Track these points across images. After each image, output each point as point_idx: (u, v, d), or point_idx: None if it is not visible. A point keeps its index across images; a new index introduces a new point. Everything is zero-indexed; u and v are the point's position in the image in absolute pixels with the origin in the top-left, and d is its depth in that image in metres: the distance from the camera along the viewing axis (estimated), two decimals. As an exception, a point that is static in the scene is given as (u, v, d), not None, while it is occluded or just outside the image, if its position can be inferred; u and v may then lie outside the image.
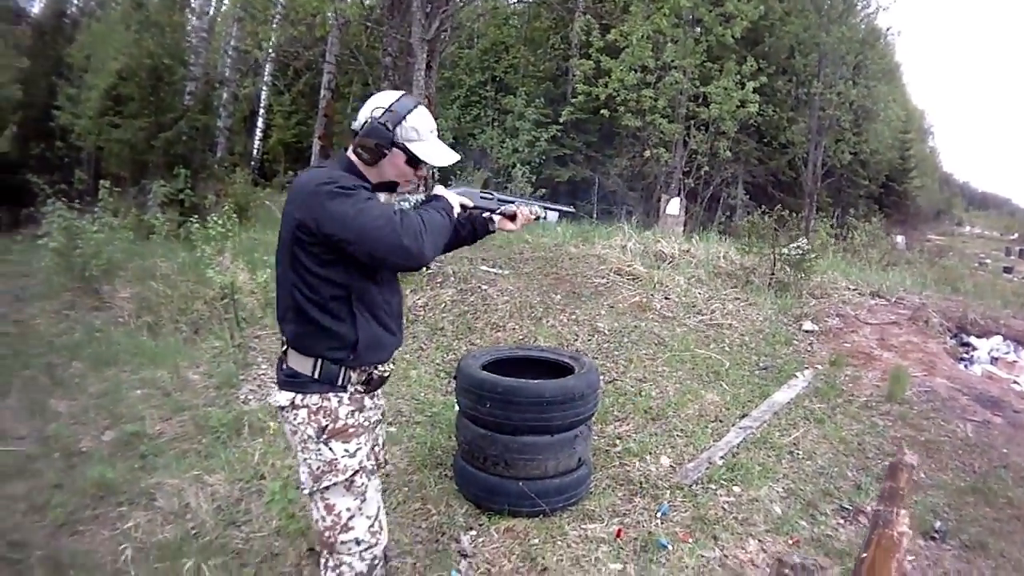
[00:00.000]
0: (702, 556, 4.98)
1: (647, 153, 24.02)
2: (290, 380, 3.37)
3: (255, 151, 29.13)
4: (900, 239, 30.92)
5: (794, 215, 14.05)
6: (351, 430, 3.38)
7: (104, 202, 11.59)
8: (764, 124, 26.41)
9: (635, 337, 9.12)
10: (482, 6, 23.84)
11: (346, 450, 3.35)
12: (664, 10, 21.62)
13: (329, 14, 15.88)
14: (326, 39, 22.72)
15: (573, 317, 9.51)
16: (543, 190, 21.97)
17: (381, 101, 3.36)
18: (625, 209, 22.04)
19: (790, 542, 5.17)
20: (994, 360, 10.98)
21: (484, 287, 9.97)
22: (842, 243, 20.91)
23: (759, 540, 5.25)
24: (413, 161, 3.35)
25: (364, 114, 3.38)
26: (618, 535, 5.08)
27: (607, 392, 7.49)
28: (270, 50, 23.86)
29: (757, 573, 4.50)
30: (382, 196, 3.37)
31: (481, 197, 3.76)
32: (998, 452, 7.45)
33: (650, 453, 6.43)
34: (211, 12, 23.09)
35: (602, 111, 23.48)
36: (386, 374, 3.57)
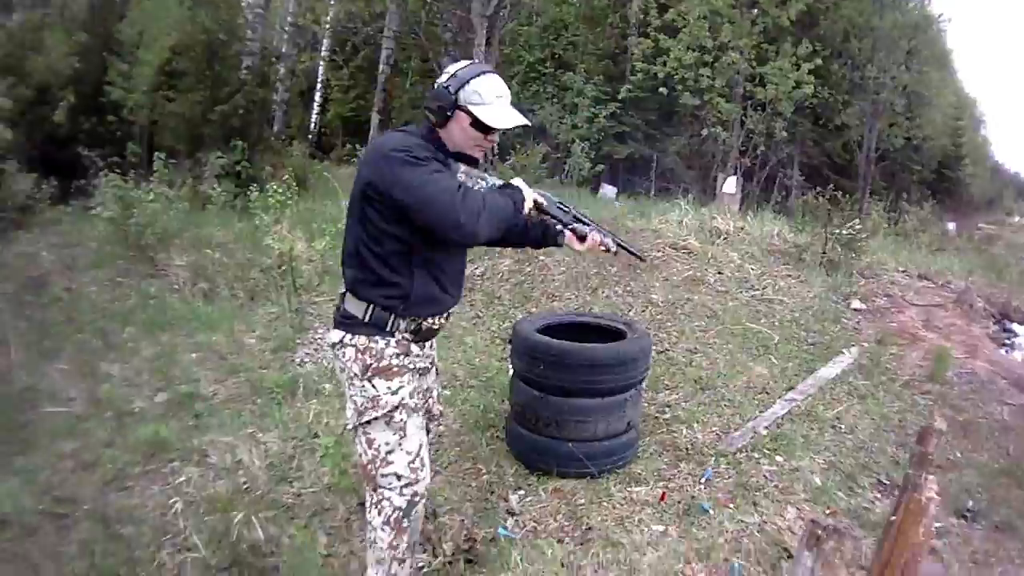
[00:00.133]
0: (742, 521, 5.06)
1: (705, 132, 23.99)
2: (343, 320, 3.56)
3: (312, 125, 29.25)
4: (951, 225, 30.58)
5: (848, 197, 14.04)
6: (395, 369, 3.52)
7: (160, 173, 11.77)
8: (819, 106, 26.22)
9: (688, 309, 9.23)
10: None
11: (388, 387, 3.49)
12: (721, -9, 21.70)
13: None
14: (384, 14, 22.81)
15: (628, 289, 9.61)
16: (601, 166, 22.01)
17: (452, 68, 3.45)
18: (682, 187, 22.00)
19: (827, 512, 5.23)
20: (1034, 346, 10.94)
21: (541, 257, 10.03)
22: (894, 226, 20.77)
23: (798, 508, 5.32)
24: (478, 125, 3.36)
25: (439, 81, 3.45)
26: (662, 498, 5.17)
27: (658, 361, 7.57)
28: (327, 25, 24.03)
29: (794, 540, 4.54)
30: (461, 168, 3.43)
31: (557, 206, 3.75)
32: (1031, 435, 7.48)
33: (697, 421, 6.51)
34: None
35: (660, 89, 23.48)
36: (435, 326, 3.67)
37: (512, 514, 4.87)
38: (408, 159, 3.17)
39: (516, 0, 16.44)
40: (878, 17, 26.11)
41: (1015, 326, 11.88)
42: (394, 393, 3.51)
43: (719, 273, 10.52)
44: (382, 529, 3.56)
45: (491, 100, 3.37)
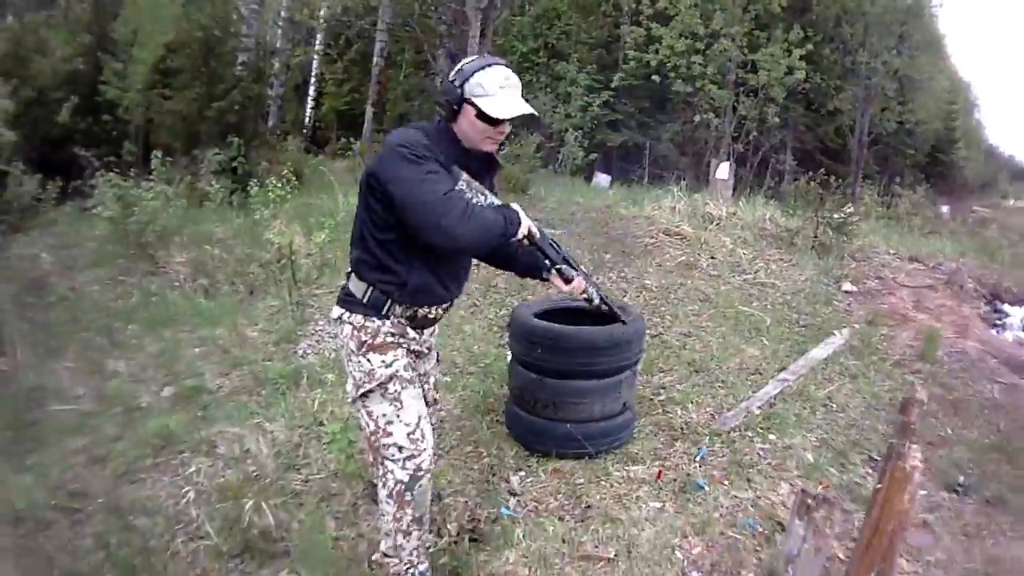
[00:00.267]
0: (736, 497, 5.22)
1: (697, 119, 24.30)
2: (344, 298, 3.72)
3: (307, 119, 29.24)
4: (945, 209, 30.67)
5: (840, 181, 14.17)
6: (389, 343, 3.64)
7: (157, 171, 11.85)
8: (812, 91, 26.58)
9: (681, 294, 9.39)
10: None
11: (383, 360, 3.62)
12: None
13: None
14: (378, 7, 22.86)
15: (622, 275, 9.78)
16: (595, 154, 22.12)
17: (461, 63, 3.53)
18: (675, 174, 22.17)
19: (820, 487, 5.37)
20: (1025, 327, 11.05)
21: (537, 246, 10.09)
22: (887, 210, 20.88)
23: (791, 484, 5.46)
24: (483, 116, 3.42)
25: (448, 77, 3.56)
26: (658, 476, 5.32)
27: (653, 345, 7.70)
28: (322, 19, 24.07)
29: (787, 514, 4.65)
30: (463, 177, 3.48)
31: (550, 244, 3.77)
32: (1022, 414, 7.61)
33: (692, 402, 6.66)
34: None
35: (653, 77, 23.81)
36: (431, 316, 3.79)
37: (514, 494, 4.99)
38: (407, 155, 3.26)
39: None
40: (870, 2, 26.41)
41: (1006, 307, 12.04)
42: (388, 366, 3.62)
43: (712, 258, 10.69)
44: (386, 502, 3.66)
45: (494, 91, 3.42)
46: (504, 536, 4.46)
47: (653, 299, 9.16)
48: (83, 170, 12.70)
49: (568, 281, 3.85)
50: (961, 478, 6.15)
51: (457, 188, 3.39)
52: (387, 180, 3.31)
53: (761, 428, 6.34)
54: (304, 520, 4.50)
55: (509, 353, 5.92)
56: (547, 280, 3.88)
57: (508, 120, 3.50)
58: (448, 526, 4.35)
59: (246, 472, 5.03)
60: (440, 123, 3.54)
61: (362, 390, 3.61)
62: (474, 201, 3.40)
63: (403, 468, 3.61)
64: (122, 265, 10.24)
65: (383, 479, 3.66)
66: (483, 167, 3.67)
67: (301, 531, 4.39)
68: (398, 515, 3.66)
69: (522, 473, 5.30)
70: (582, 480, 5.20)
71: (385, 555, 3.77)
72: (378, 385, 3.61)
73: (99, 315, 8.45)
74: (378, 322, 3.63)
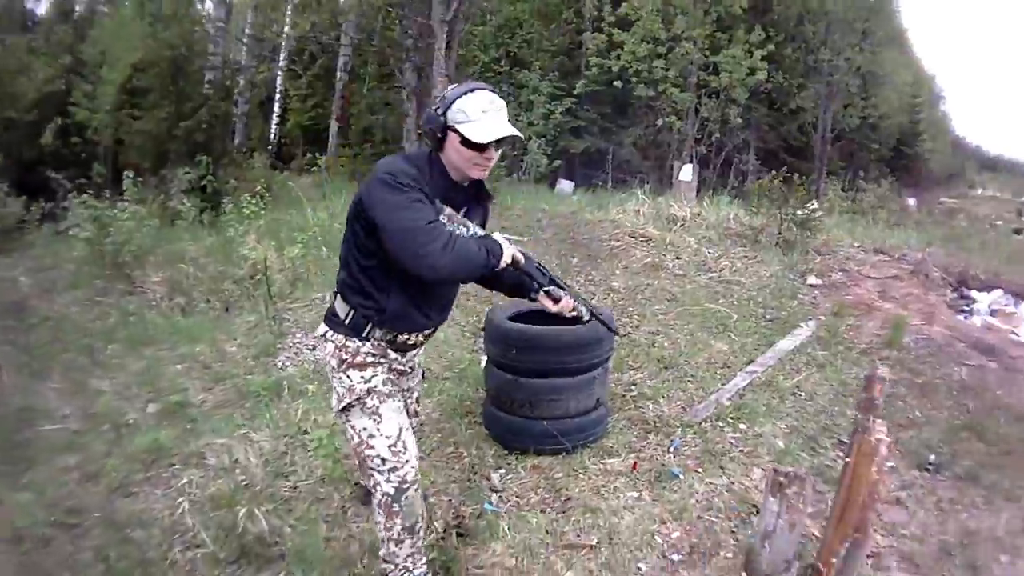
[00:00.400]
0: (711, 483, 5.41)
1: (660, 122, 24.50)
2: (329, 317, 3.78)
3: (272, 136, 29.23)
4: (911, 201, 31.05)
5: (804, 178, 14.37)
6: (368, 361, 3.70)
7: (129, 191, 11.98)
8: (774, 91, 26.78)
9: (648, 294, 9.56)
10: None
11: (362, 376, 3.68)
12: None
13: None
14: (342, 23, 22.96)
15: (590, 278, 9.95)
16: (558, 161, 22.24)
17: (444, 91, 3.53)
18: (639, 177, 22.33)
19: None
20: (993, 312, 11.29)
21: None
22: (851, 204, 21.09)
23: (763, 469, 5.63)
24: (466, 142, 3.39)
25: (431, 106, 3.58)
26: (634, 467, 5.50)
27: (622, 344, 7.84)
28: (286, 35, 24.15)
29: (761, 496, 4.78)
30: (446, 211, 3.44)
31: (536, 268, 3.76)
32: (992, 394, 7.79)
33: (663, 396, 6.84)
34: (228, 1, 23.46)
35: (615, 83, 23.90)
36: (411, 342, 3.84)
37: (495, 491, 5.14)
38: (392, 183, 3.28)
39: (472, 3, 16.59)
40: (832, 1, 26.50)
41: (974, 293, 12.08)
42: (367, 381, 3.68)
43: (677, 258, 10.88)
44: (377, 512, 3.74)
45: (477, 116, 3.40)
46: (490, 530, 4.61)
47: (621, 300, 9.32)
48: (55, 192, 12.79)
49: (556, 301, 3.88)
50: (932, 457, 6.32)
51: (440, 219, 3.36)
52: (371, 206, 3.33)
53: (731, 418, 6.52)
54: (296, 524, 4.62)
55: (484, 357, 6.10)
56: (535, 300, 3.92)
57: (493, 144, 3.46)
58: (435, 523, 4.48)
59: (236, 481, 5.13)
60: (428, 153, 3.55)
61: (343, 404, 3.69)
62: (456, 232, 3.38)
63: (388, 481, 3.68)
64: (99, 286, 10.36)
65: (374, 490, 3.74)
66: (472, 198, 3.71)
67: (294, 535, 4.50)
68: (388, 524, 3.74)
69: (502, 471, 5.45)
70: (560, 474, 5.37)
71: (384, 560, 3.84)
72: (357, 399, 3.68)
73: (80, 336, 8.53)
74: (359, 343, 3.69)
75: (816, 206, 12.75)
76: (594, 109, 26.47)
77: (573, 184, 21.92)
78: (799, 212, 12.06)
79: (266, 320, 8.61)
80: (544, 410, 5.52)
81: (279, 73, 28.56)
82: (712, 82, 24.45)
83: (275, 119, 29.42)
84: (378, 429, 3.68)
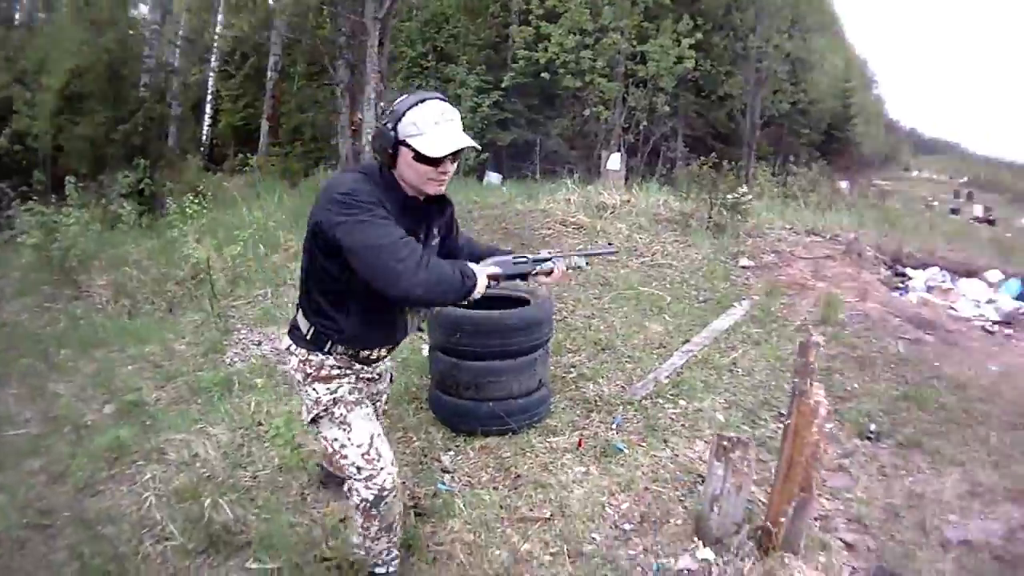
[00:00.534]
0: (655, 456, 5.66)
1: (587, 112, 24.67)
2: (292, 330, 3.74)
3: (204, 137, 29.12)
4: (844, 184, 31.45)
5: (733, 164, 14.69)
6: (333, 373, 3.67)
7: (71, 197, 12.00)
8: (702, 78, 27.07)
9: (581, 279, 9.82)
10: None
11: (327, 388, 3.66)
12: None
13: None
14: (271, 21, 22.93)
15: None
16: (486, 154, 22.36)
17: (393, 104, 3.38)
18: (567, 167, 22.51)
19: (734, 440, 5.82)
20: (930, 289, 11.68)
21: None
22: (782, 188, 21.39)
23: (705, 441, 5.90)
24: (420, 157, 3.26)
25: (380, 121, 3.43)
26: (579, 444, 5.73)
27: (559, 328, 8.04)
28: (217, 35, 24.07)
29: (705, 468, 4.95)
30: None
31: (515, 263, 3.69)
32: (930, 365, 8.11)
33: (602, 377, 7.09)
34: (162, 3, 23.38)
35: (543, 74, 24.04)
36: (373, 356, 3.80)
37: (447, 472, 5.33)
38: (350, 201, 3.13)
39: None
40: (761, -12, 26.86)
41: (909, 270, 12.55)
42: (333, 392, 3.66)
43: (608, 243, 11.02)
44: (355, 512, 3.76)
45: (428, 129, 3.25)
46: (446, 508, 4.78)
47: (555, 286, 9.38)
48: (-1, 201, 12.77)
49: (550, 274, 3.84)
50: (873, 426, 6.61)
51: (408, 237, 3.20)
52: (331, 227, 3.17)
53: (671, 395, 6.79)
54: (259, 512, 4.75)
55: (425, 345, 6.34)
56: (531, 281, 3.92)
57: (449, 156, 3.31)
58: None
59: (198, 474, 5.23)
60: (380, 170, 3.41)
61: (311, 416, 3.70)
62: (427, 253, 3.24)
63: (367, 488, 3.66)
64: (47, 292, 10.38)
65: (350, 492, 3.74)
66: (430, 213, 3.60)
67: (258, 522, 4.62)
68: (365, 525, 3.78)
69: (452, 452, 5.63)
70: (509, 453, 5.58)
71: (356, 549, 3.93)
72: (324, 410, 3.66)
73: (34, 342, 8.53)
74: (321, 356, 3.64)
75: (746, 190, 13.04)
76: (521, 101, 26.56)
77: (501, 176, 22.18)
78: (729, 196, 12.35)
79: (212, 318, 8.73)
80: (489, 392, 5.72)
81: (211, 74, 28.45)
82: (639, 71, 24.72)
83: (207, 120, 29.34)
84: (348, 439, 3.66)
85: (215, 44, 26.99)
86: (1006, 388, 7.75)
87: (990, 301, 11.43)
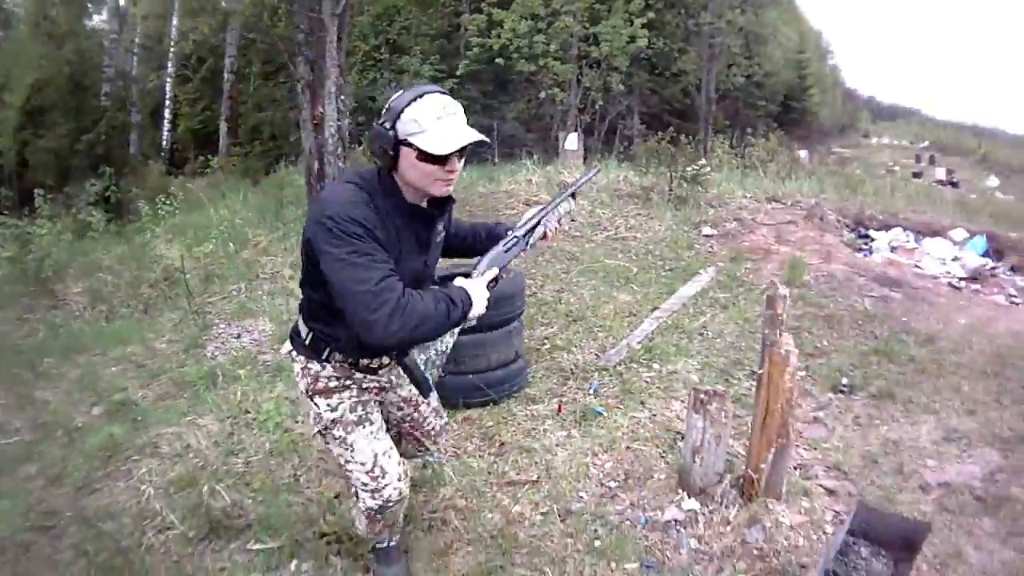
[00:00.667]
0: (634, 417, 5.89)
1: (542, 95, 24.73)
2: (293, 335, 3.54)
3: (164, 142, 28.86)
4: (803, 153, 31.67)
5: (691, 138, 14.89)
6: (333, 388, 3.48)
7: (41, 209, 12.09)
8: (655, 56, 27.20)
9: (548, 256, 10.04)
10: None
11: (328, 404, 3.49)
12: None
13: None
14: (226, 23, 22.95)
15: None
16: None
17: (389, 101, 3.07)
18: (525, 150, 22.63)
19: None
20: (894, 249, 11.81)
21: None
22: (741, 160, 21.58)
23: (681, 401, 6.13)
24: (424, 156, 2.96)
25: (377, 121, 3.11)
26: (559, 411, 5.97)
27: (530, 303, 8.22)
28: (173, 43, 24.06)
29: (683, 426, 5.21)
30: None
31: (506, 252, 3.49)
32: (898, 321, 8.34)
33: (575, 346, 7.32)
34: (120, 12, 23.38)
35: (496, 60, 24.14)
36: (373, 365, 3.54)
37: (434, 443, 5.52)
38: (335, 230, 2.85)
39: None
40: (711, -36, 27.02)
41: (872, 232, 12.71)
42: (333, 409, 3.49)
43: (572, 220, 11.28)
44: (360, 513, 3.79)
45: (431, 125, 2.96)
46: (436, 478, 4.94)
47: (522, 263, 9.65)
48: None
49: (545, 236, 3.72)
50: (845, 380, 6.83)
51: (389, 275, 2.88)
52: (317, 252, 2.94)
53: (644, 359, 7.02)
54: (255, 495, 4.86)
55: None
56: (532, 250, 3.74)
57: (456, 154, 3.03)
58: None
59: (192, 464, 5.35)
60: (379, 174, 3.14)
61: (315, 430, 3.66)
62: (409, 291, 2.91)
63: (372, 498, 3.63)
64: (25, 303, 10.43)
65: (355, 495, 3.76)
66: (433, 218, 3.34)
67: (255, 505, 4.74)
68: (370, 527, 3.84)
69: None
70: (491, 423, 5.80)
71: (357, 528, 3.96)
72: (324, 429, 3.55)
73: (15, 353, 8.55)
74: (318, 366, 3.45)
75: (705, 163, 13.27)
76: (476, 88, 26.59)
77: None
78: (689, 169, 12.56)
79: (190, 315, 8.87)
80: (469, 364, 5.94)
81: (168, 79, 28.43)
82: (593, 52, 24.80)
83: (166, 125, 29.16)
84: (352, 456, 3.56)
85: (172, 49, 26.97)
86: (976, 339, 7.97)
87: (955, 259, 11.60)
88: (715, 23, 27.54)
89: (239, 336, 8.30)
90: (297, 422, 5.77)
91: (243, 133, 27.11)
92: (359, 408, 3.55)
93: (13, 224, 10.80)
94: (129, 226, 12.13)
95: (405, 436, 4.04)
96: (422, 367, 3.32)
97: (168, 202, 10.44)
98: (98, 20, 23.56)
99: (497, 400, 6.06)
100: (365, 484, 3.59)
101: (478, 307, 3.16)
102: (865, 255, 11.72)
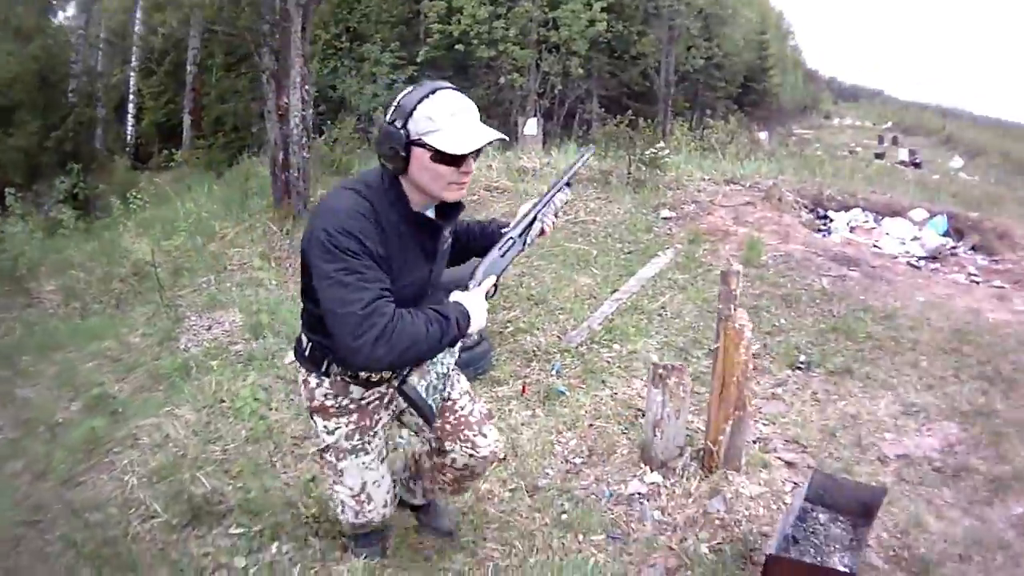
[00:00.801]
0: (596, 396, 6.15)
1: (502, 80, 24.92)
2: (296, 346, 3.45)
3: (129, 136, 29.04)
4: (763, 135, 31.77)
5: (650, 121, 15.08)
6: (331, 410, 3.38)
7: (12, 207, 12.21)
8: (614, 39, 27.35)
9: (505, 243, 10.13)
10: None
11: (325, 426, 3.42)
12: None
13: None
14: (190, 15, 22.98)
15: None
16: (404, 129, 22.60)
17: (397, 98, 2.94)
18: (485, 135, 22.81)
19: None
20: (852, 229, 12.02)
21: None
22: (700, 142, 21.73)
23: (642, 380, 6.36)
24: (440, 156, 2.81)
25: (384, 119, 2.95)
26: (523, 391, 6.22)
27: (491, 288, 8.44)
28: (137, 36, 24.03)
29: (644, 404, 5.42)
30: None
31: (503, 255, 3.40)
32: (856, 299, 8.56)
33: (538, 329, 7.53)
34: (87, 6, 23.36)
35: (456, 46, 24.39)
36: (374, 378, 3.39)
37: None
38: (328, 246, 2.71)
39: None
40: (671, -54, 27.13)
41: (831, 213, 12.90)
42: (330, 433, 3.44)
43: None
44: (340, 511, 3.77)
45: (446, 123, 2.81)
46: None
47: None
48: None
49: (543, 232, 3.63)
50: (803, 357, 7.07)
51: (383, 296, 2.73)
52: (311, 267, 2.82)
53: (605, 340, 7.26)
54: (234, 482, 5.01)
55: None
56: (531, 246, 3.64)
57: (472, 155, 2.90)
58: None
59: (172, 453, 5.47)
60: (384, 179, 2.97)
61: (313, 448, 3.74)
62: (398, 313, 2.74)
63: (355, 516, 3.70)
64: (0, 302, 10.53)
65: (333, 499, 3.78)
66: (440, 227, 3.22)
67: (235, 491, 4.87)
68: (349, 531, 3.97)
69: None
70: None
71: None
72: (320, 450, 3.57)
73: (-6, 352, 8.65)
74: (315, 380, 3.34)
75: (663, 145, 13.47)
76: (435, 74, 26.51)
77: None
78: (647, 152, 12.75)
79: (161, 309, 8.99)
80: (434, 349, 6.09)
81: (132, 74, 28.37)
82: (552, 37, 25.03)
83: (131, 120, 29.22)
84: (341, 480, 3.58)
85: (134, 43, 26.94)
86: (934, 316, 8.21)
87: (915, 238, 11.79)
88: (674, 5, 27.75)
89: (210, 328, 8.39)
90: (271, 409, 5.93)
91: (206, 125, 27.02)
92: (356, 436, 3.48)
93: (-12, 222, 10.80)
94: (98, 222, 12.18)
95: (451, 439, 3.66)
96: (423, 393, 3.00)
97: (139, 197, 10.56)
98: (63, 16, 23.64)
99: (462, 383, 6.23)
100: (350, 505, 3.65)
101: (477, 321, 3.05)
102: (823, 235, 11.87)
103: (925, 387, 6.69)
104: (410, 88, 2.93)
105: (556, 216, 3.67)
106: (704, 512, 4.62)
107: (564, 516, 4.64)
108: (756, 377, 6.71)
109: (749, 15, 40.14)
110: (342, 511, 3.73)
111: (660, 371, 4.86)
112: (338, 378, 3.33)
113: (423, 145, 2.80)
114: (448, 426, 3.64)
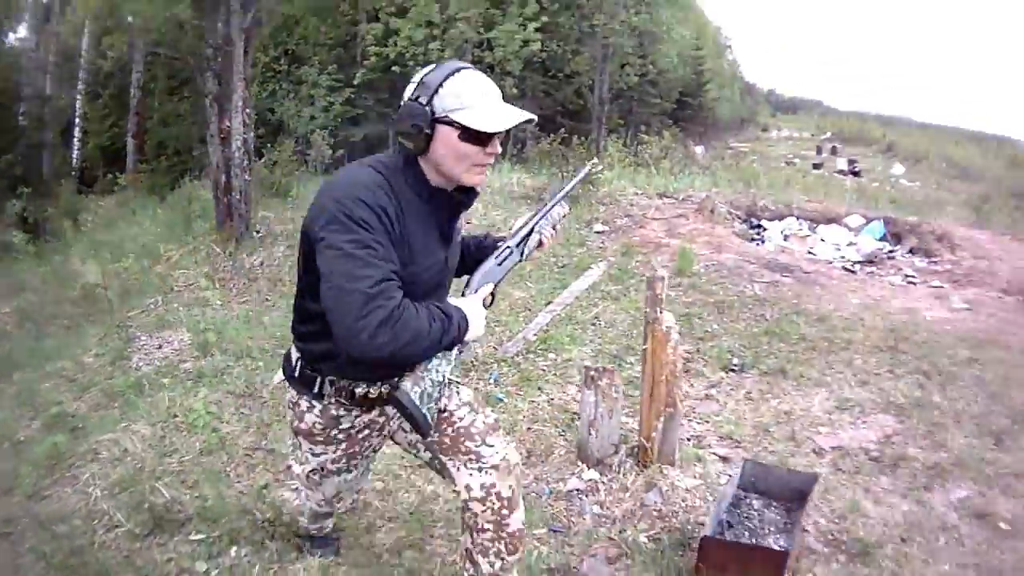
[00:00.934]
0: (533, 401, 6.47)
1: (436, 100, 25.20)
2: (284, 363, 3.25)
3: (74, 160, 28.86)
4: (699, 149, 32.16)
5: (584, 138, 15.45)
6: (318, 436, 3.20)
7: (-34, 233, 12.41)
8: (548, 59, 27.79)
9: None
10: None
11: (311, 450, 3.29)
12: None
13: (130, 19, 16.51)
14: (132, 40, 23.06)
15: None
16: (341, 151, 22.74)
17: (417, 77, 2.81)
18: (417, 157, 22.95)
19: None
20: (787, 237, 12.43)
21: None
22: (634, 157, 22.01)
23: (576, 386, 6.64)
24: (468, 135, 2.65)
25: (405, 96, 2.82)
26: (462, 398, 6.50)
27: (428, 302, 8.73)
28: (83, 60, 24.07)
29: (578, 406, 5.72)
30: None
31: (500, 266, 3.13)
32: (789, 303, 8.92)
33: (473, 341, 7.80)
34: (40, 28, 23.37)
35: (393, 68, 24.46)
36: (371, 395, 3.05)
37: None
38: (341, 216, 2.50)
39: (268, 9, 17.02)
40: (606, -34, 27.28)
41: (764, 223, 13.32)
42: (315, 456, 3.31)
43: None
44: (303, 509, 4.00)
45: (474, 101, 2.67)
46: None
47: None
48: None
49: (541, 244, 3.35)
50: (736, 360, 7.38)
51: (393, 279, 2.50)
52: (315, 237, 2.57)
53: (540, 350, 7.59)
54: (190, 492, 5.25)
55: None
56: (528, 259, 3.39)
57: (498, 136, 2.75)
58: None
59: (131, 466, 5.68)
60: (400, 158, 2.82)
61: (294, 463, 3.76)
62: (406, 302, 2.51)
63: (319, 507, 3.84)
64: (-46, 328, 10.58)
65: (296, 492, 3.98)
66: (459, 209, 3.00)
67: (192, 500, 5.10)
68: (313, 520, 4.09)
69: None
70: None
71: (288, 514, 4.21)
72: (301, 473, 3.56)
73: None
74: (306, 404, 3.12)
75: (597, 161, 13.86)
76: (371, 96, 26.74)
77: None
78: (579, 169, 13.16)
79: (113, 329, 9.22)
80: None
81: (78, 97, 28.37)
82: (486, 57, 25.20)
83: (76, 144, 29.08)
84: (316, 489, 3.60)
85: (83, 66, 26.97)
86: (868, 317, 8.61)
87: (851, 244, 12.25)
88: (609, 23, 28.00)
89: (160, 347, 8.57)
90: (223, 423, 6.22)
91: (149, 149, 27.10)
92: (342, 461, 3.34)
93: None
94: (47, 246, 12.34)
95: (452, 456, 3.30)
96: (416, 400, 2.70)
97: (90, 220, 10.80)
98: (14, 38, 23.63)
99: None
100: (319, 503, 3.76)
101: (476, 329, 2.82)
102: (757, 244, 12.27)
103: (860, 383, 7.01)
104: (431, 67, 2.80)
105: (555, 229, 3.43)
106: (641, 504, 4.92)
107: (506, 513, 4.95)
108: (689, 380, 7.06)
109: (684, 32, 40.58)
110: (300, 498, 3.91)
111: (592, 373, 5.20)
112: (331, 403, 3.08)
113: (451, 123, 2.65)
114: (447, 440, 3.27)
